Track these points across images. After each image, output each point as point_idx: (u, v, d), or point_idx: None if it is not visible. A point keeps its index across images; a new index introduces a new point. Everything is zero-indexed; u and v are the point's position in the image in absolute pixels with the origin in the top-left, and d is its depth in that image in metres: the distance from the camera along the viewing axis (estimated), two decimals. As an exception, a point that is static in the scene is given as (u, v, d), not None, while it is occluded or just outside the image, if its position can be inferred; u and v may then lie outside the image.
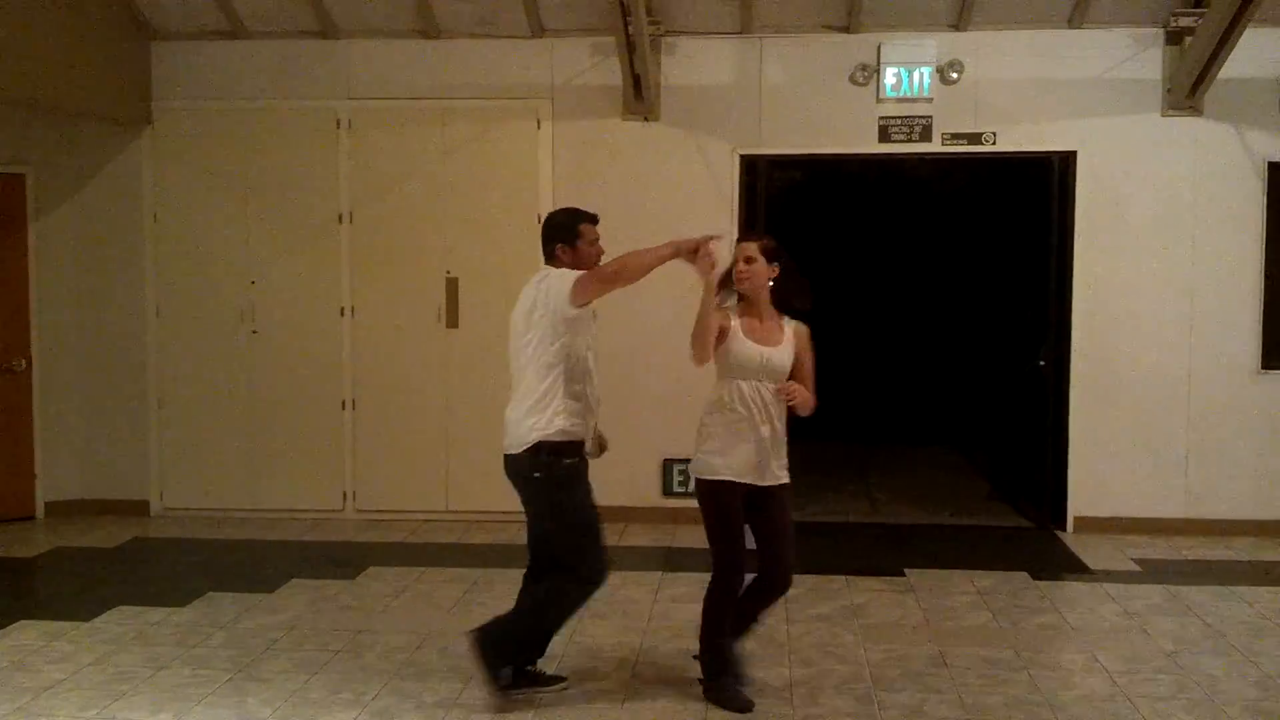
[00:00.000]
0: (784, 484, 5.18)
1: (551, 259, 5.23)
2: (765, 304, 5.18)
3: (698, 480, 5.15)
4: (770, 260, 5.16)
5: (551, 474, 5.09)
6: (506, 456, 5.20)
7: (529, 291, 5.19)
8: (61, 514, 8.99)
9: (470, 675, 5.38)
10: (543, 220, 5.39)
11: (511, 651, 5.21)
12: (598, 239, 5.26)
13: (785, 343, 5.15)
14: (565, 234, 5.21)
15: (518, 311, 5.23)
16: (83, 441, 9.08)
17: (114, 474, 9.08)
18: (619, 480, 8.61)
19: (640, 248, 5.06)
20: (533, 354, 5.13)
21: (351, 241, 8.81)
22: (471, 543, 8.27)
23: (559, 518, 5.17)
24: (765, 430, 5.08)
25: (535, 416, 5.09)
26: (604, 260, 5.21)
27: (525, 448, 5.09)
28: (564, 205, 8.44)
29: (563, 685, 5.35)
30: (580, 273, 5.03)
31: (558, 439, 5.07)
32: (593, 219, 5.29)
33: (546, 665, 5.46)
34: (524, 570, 5.45)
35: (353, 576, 7.36)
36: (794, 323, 5.22)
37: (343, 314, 8.86)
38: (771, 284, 5.17)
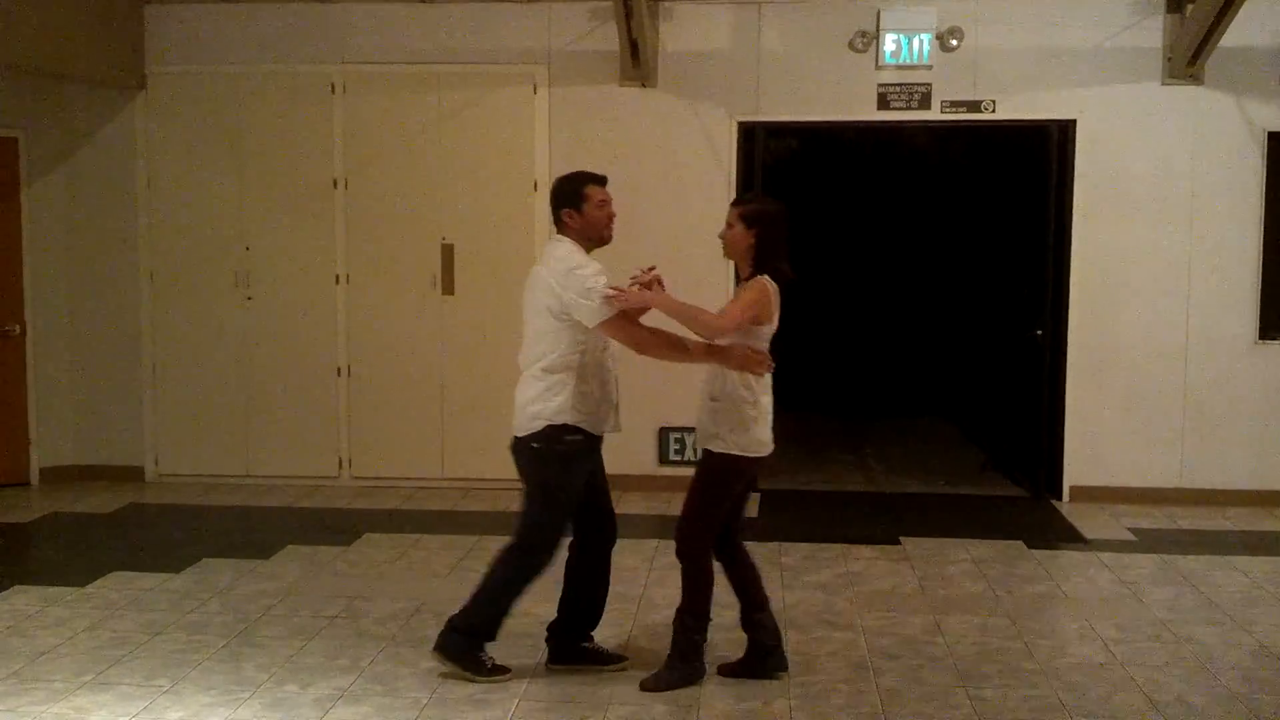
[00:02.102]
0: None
1: (560, 226, 5.09)
2: (745, 270, 5.06)
3: (733, 456, 5.00)
4: (749, 225, 5.01)
5: (551, 448, 4.99)
6: (513, 437, 5.11)
7: (540, 274, 5.00)
8: (56, 480, 8.98)
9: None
10: (550, 186, 5.22)
11: (478, 644, 5.15)
12: (607, 200, 5.08)
13: None
14: (570, 199, 5.06)
15: (529, 292, 5.05)
16: (77, 407, 9.06)
17: (109, 440, 9.06)
18: (614, 448, 8.59)
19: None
20: (540, 346, 4.99)
21: (346, 207, 8.77)
22: (467, 509, 8.27)
23: (540, 489, 5.08)
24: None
25: (539, 405, 4.98)
26: (614, 225, 5.12)
27: (525, 434, 5.03)
28: (561, 171, 8.53)
29: (622, 665, 5.28)
30: (608, 297, 4.82)
31: (562, 421, 4.97)
32: (599, 180, 5.12)
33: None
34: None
35: (348, 543, 7.36)
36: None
37: (337, 280, 8.82)
38: (751, 249, 5.01)
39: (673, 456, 8.63)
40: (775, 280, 5.01)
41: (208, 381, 8.96)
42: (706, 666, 5.15)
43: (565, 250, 5.01)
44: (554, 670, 5.29)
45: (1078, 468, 8.53)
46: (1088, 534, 7.69)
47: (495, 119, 8.67)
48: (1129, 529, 7.79)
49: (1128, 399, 8.46)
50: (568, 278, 4.89)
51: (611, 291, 4.85)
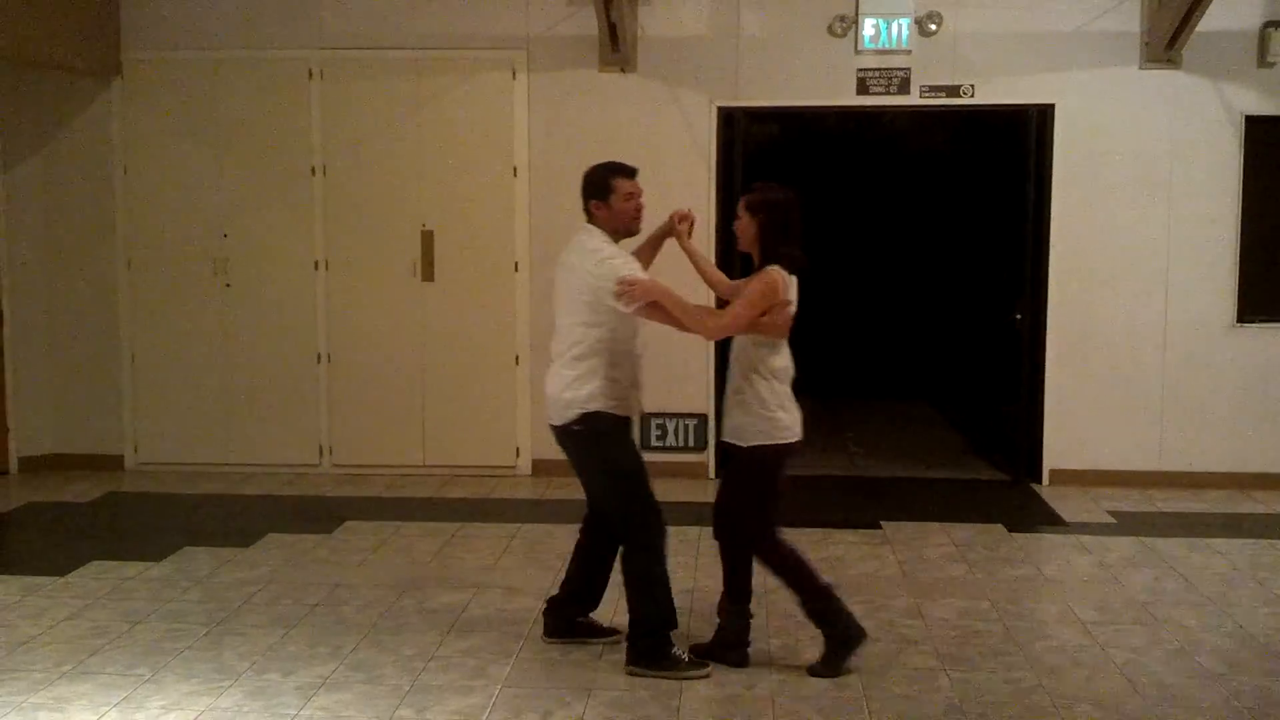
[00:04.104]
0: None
1: (588, 216, 5.14)
2: (757, 259, 5.04)
3: (761, 447, 4.99)
4: (754, 214, 5.01)
5: (593, 427, 5.02)
6: (550, 426, 5.18)
7: (572, 263, 5.05)
8: (35, 469, 8.94)
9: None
10: (581, 176, 5.21)
11: (664, 641, 5.08)
12: (635, 193, 5.11)
13: None
14: (598, 190, 5.09)
15: (560, 282, 5.13)
16: (56, 396, 9.01)
17: (88, 429, 9.02)
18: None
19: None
20: (573, 334, 5.05)
21: (325, 194, 8.73)
22: (448, 497, 8.26)
23: (603, 473, 5.14)
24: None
25: (571, 393, 5.03)
26: (643, 218, 5.18)
27: (565, 422, 5.07)
28: (540, 157, 8.57)
29: (615, 638, 5.34)
30: (620, 292, 4.88)
31: (594, 409, 5.01)
32: (629, 172, 5.15)
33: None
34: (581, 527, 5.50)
35: (329, 531, 7.34)
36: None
37: (316, 267, 8.79)
38: (758, 238, 5.00)
39: (654, 443, 8.61)
40: (788, 267, 4.95)
41: (187, 369, 8.92)
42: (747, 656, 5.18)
43: (596, 240, 5.05)
44: (548, 645, 5.36)
45: (1057, 451, 8.56)
46: (1067, 517, 7.72)
47: (474, 104, 8.63)
48: (1108, 512, 7.83)
49: (1107, 382, 8.49)
50: (601, 266, 4.94)
51: (626, 282, 4.88)
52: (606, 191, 5.09)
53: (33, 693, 4.86)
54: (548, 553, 6.86)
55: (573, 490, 8.24)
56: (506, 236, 8.66)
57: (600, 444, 5.07)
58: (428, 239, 8.69)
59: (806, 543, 7.02)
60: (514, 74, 8.58)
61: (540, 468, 8.73)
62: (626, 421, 5.13)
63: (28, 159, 8.82)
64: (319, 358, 8.85)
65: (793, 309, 4.97)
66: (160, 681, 4.98)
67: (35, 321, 8.93)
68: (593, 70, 8.55)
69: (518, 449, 8.80)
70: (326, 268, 8.78)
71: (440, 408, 8.79)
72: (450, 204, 8.67)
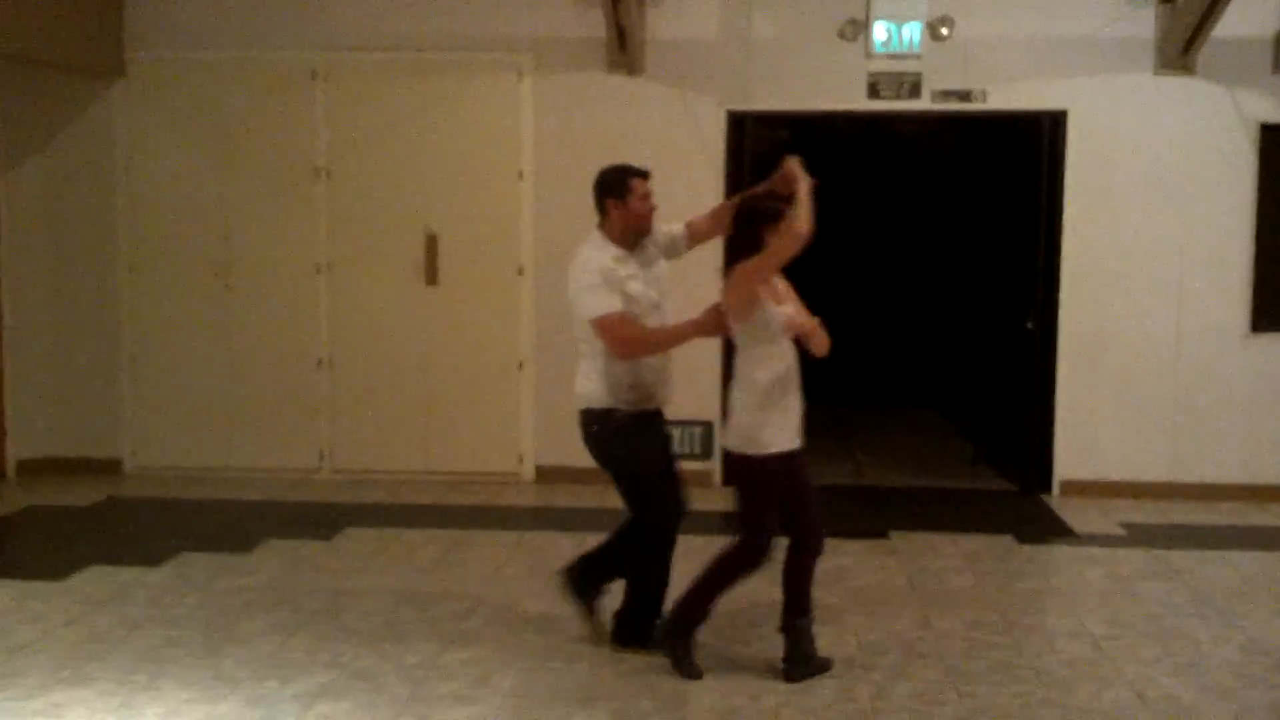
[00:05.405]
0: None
1: (603, 215, 5.25)
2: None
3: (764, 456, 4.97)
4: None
5: (604, 429, 5.18)
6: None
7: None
8: (33, 472, 8.87)
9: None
10: (595, 177, 5.34)
11: (655, 619, 5.32)
12: (649, 194, 5.25)
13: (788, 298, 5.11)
14: (616, 189, 5.21)
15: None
16: (55, 399, 8.94)
17: (87, 432, 8.96)
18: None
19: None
20: (577, 331, 5.22)
21: (328, 196, 8.67)
22: (450, 503, 8.18)
23: (618, 470, 5.27)
24: None
25: (580, 389, 5.23)
26: (656, 220, 5.34)
27: (581, 419, 5.27)
28: (546, 161, 8.52)
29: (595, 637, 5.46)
30: (603, 308, 5.02)
31: (598, 407, 5.18)
32: (643, 174, 5.28)
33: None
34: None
35: (330, 537, 7.28)
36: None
37: (319, 270, 8.72)
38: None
39: (677, 449, 8.51)
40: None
41: (187, 373, 8.86)
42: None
43: (588, 244, 5.22)
44: (552, 655, 5.33)
45: (1068, 461, 8.48)
46: (1078, 528, 7.64)
47: (480, 107, 8.58)
48: (1120, 523, 7.74)
49: (1119, 391, 8.41)
50: (574, 269, 5.15)
51: (596, 325, 5.04)
52: (624, 191, 5.20)
53: (30, 698, 4.80)
54: (551, 560, 6.76)
55: (576, 497, 8.24)
56: (511, 240, 8.60)
57: (599, 441, 5.22)
58: (431, 242, 8.63)
59: (813, 552, 6.96)
60: (520, 76, 8.51)
61: (544, 474, 8.65)
62: (635, 417, 5.18)
63: (29, 159, 8.77)
64: (320, 362, 8.78)
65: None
66: (158, 688, 4.92)
67: (35, 323, 8.87)
68: (600, 73, 8.48)
69: (521, 455, 8.72)
70: (329, 270, 8.72)
71: (443, 413, 8.73)
72: (454, 207, 8.61)
